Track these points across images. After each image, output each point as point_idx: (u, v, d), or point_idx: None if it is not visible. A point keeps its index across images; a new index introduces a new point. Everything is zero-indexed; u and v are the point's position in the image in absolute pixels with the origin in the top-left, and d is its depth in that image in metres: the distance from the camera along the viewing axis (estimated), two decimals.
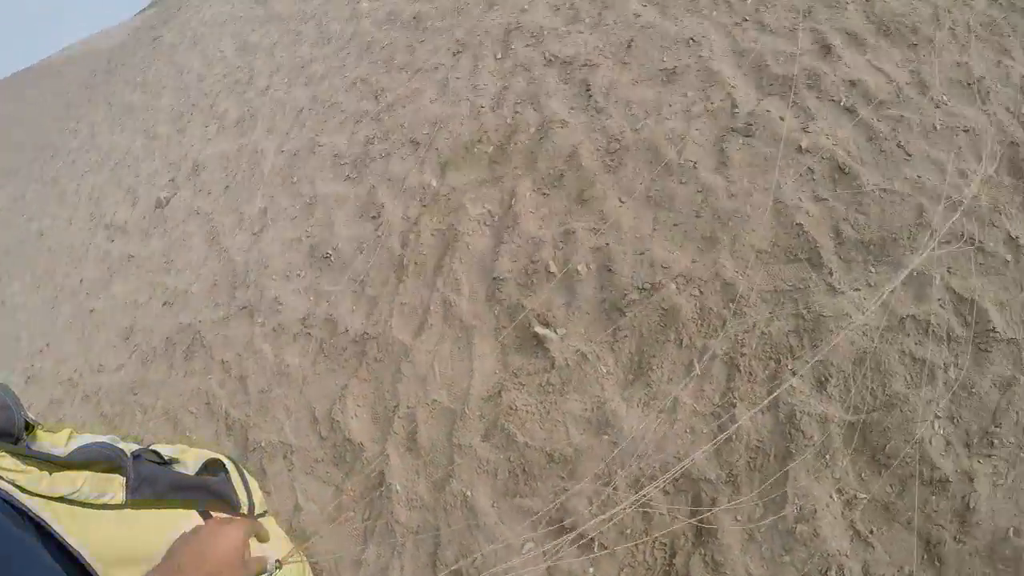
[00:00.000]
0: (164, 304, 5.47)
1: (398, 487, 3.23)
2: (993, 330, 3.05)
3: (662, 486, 2.81)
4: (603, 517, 2.80)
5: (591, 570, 2.74)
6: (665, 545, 2.73)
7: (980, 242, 3.31)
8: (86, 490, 1.14)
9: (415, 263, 3.83)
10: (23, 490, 1.06)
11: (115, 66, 14.89)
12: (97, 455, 1.22)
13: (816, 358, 2.93)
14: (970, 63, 4.28)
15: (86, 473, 1.17)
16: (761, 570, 2.60)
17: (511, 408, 3.11)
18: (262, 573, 1.24)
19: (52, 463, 1.13)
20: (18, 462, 1.09)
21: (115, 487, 1.20)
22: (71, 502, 1.11)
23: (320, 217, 4.65)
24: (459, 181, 4.00)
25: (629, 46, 4.23)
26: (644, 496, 2.79)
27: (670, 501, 2.77)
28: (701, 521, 2.69)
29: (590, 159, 3.65)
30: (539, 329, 3.20)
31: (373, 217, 4.28)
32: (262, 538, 1.32)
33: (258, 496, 1.61)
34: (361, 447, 3.44)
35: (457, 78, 4.58)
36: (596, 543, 2.77)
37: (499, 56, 4.54)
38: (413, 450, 3.29)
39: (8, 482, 1.05)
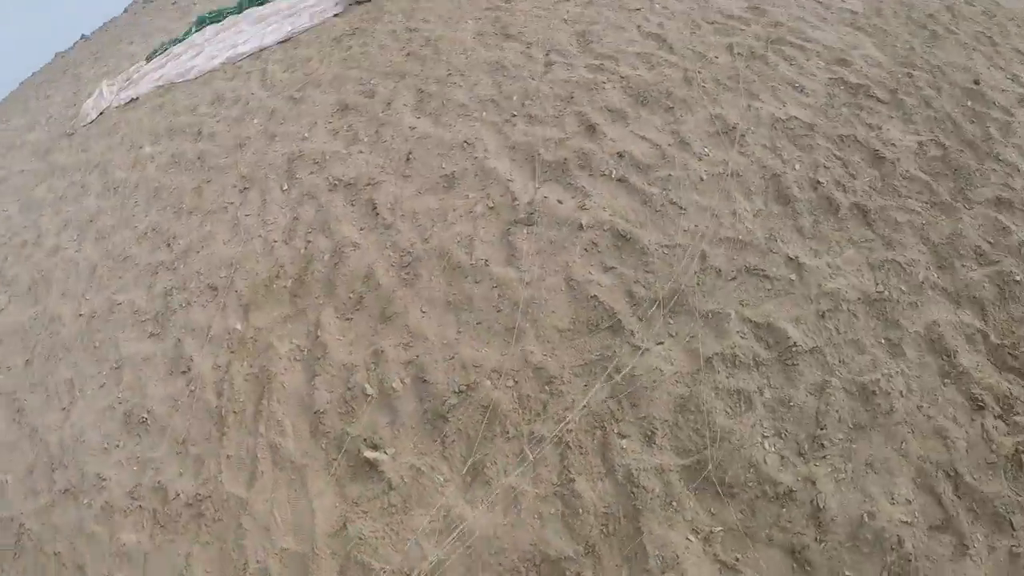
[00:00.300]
0: None
1: None
2: (794, 345, 3.35)
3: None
4: None
5: None
6: None
7: (763, 270, 3.65)
8: None
9: (234, 412, 3.73)
10: None
11: None
12: None
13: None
14: (724, 113, 4.75)
15: None
16: None
17: (360, 538, 3.07)
18: None
19: None
20: None
21: None
22: None
23: (129, 380, 4.45)
24: (263, 320, 3.96)
25: (408, 159, 4.41)
26: None
27: None
28: None
29: (386, 276, 3.74)
30: (369, 453, 3.20)
31: (183, 372, 4.15)
32: None
33: None
34: None
35: (247, 215, 4.58)
36: None
37: (285, 187, 4.59)
38: None
39: None
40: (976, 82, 5.91)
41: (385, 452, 3.20)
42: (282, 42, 6.90)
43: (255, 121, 5.40)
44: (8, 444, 5.08)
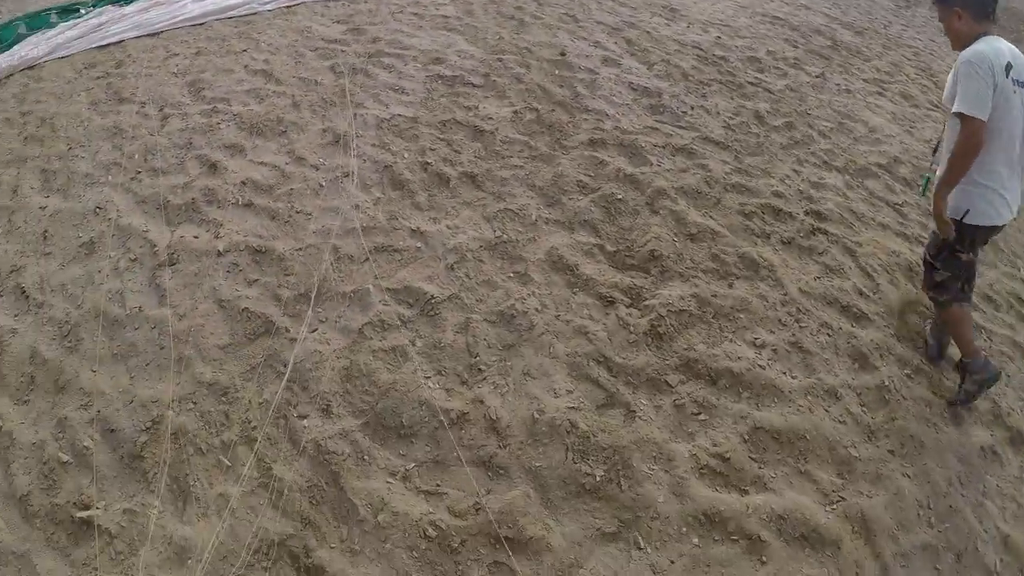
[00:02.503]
0: None
1: None
2: (432, 298, 3.90)
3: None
4: None
5: None
6: None
7: (391, 246, 4.16)
8: None
9: None
10: None
11: None
12: None
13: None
14: (333, 126, 5.26)
15: None
16: (376, 569, 3.03)
17: None
18: None
19: None
20: None
21: None
22: None
23: None
24: None
25: (45, 237, 4.48)
26: None
27: (275, 574, 3.10)
28: (308, 569, 3.05)
29: (50, 350, 3.84)
30: (81, 514, 3.32)
31: None
32: None
33: None
34: None
35: None
36: None
37: None
38: None
39: None
40: (562, 53, 6.91)
41: (96, 508, 3.34)
42: None
43: None
44: None
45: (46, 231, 4.53)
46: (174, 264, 4.14)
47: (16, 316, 4.07)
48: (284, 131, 5.30)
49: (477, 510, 3.17)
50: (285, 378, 3.58)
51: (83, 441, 3.51)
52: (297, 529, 3.17)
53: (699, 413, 3.54)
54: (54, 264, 4.31)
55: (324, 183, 4.73)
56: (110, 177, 4.90)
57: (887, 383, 3.89)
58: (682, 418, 3.52)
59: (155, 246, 4.26)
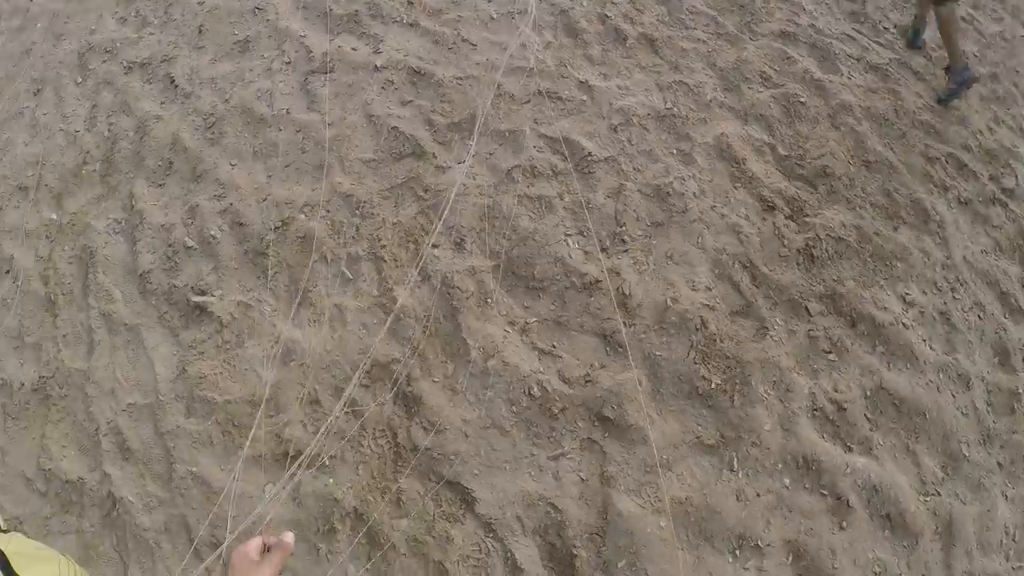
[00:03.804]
0: None
1: (130, 497, 3.20)
2: (589, 155, 3.68)
3: (357, 382, 3.10)
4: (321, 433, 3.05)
5: (331, 481, 2.95)
6: (384, 431, 3.03)
7: (556, 93, 3.95)
8: None
9: (62, 294, 3.75)
10: None
11: None
12: None
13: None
14: None
15: None
16: (473, 413, 2.99)
17: (200, 377, 3.23)
18: None
19: None
20: None
21: None
22: None
23: None
24: (77, 205, 3.96)
25: (200, 31, 4.45)
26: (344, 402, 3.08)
27: (372, 393, 3.08)
28: (406, 397, 3.03)
29: (192, 140, 3.86)
30: (197, 298, 3.35)
31: (7, 272, 4.11)
32: None
33: None
34: (81, 481, 3.33)
35: (45, 114, 4.48)
36: (324, 457, 2.99)
37: (80, 80, 4.52)
38: (129, 458, 3.25)
39: None
40: None
41: (212, 295, 3.36)
42: None
43: (38, 26, 5.21)
44: None
45: (202, 25, 4.50)
46: (329, 72, 4.04)
47: (162, 104, 4.09)
48: None
49: (586, 382, 3.05)
50: (444, 211, 3.45)
51: (211, 230, 3.51)
52: (404, 356, 3.12)
53: (830, 352, 3.30)
54: (206, 58, 4.28)
55: (495, 15, 4.49)
56: None
57: (1021, 391, 3.55)
58: (812, 351, 3.29)
59: (311, 52, 4.16)
